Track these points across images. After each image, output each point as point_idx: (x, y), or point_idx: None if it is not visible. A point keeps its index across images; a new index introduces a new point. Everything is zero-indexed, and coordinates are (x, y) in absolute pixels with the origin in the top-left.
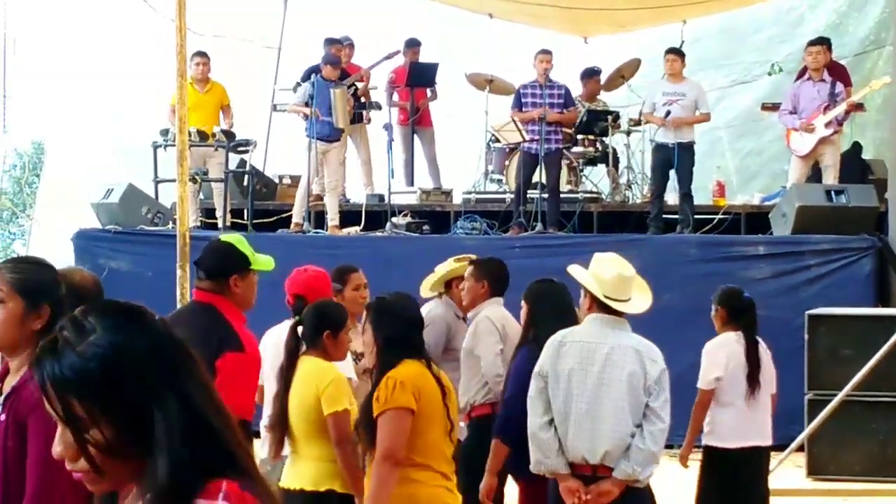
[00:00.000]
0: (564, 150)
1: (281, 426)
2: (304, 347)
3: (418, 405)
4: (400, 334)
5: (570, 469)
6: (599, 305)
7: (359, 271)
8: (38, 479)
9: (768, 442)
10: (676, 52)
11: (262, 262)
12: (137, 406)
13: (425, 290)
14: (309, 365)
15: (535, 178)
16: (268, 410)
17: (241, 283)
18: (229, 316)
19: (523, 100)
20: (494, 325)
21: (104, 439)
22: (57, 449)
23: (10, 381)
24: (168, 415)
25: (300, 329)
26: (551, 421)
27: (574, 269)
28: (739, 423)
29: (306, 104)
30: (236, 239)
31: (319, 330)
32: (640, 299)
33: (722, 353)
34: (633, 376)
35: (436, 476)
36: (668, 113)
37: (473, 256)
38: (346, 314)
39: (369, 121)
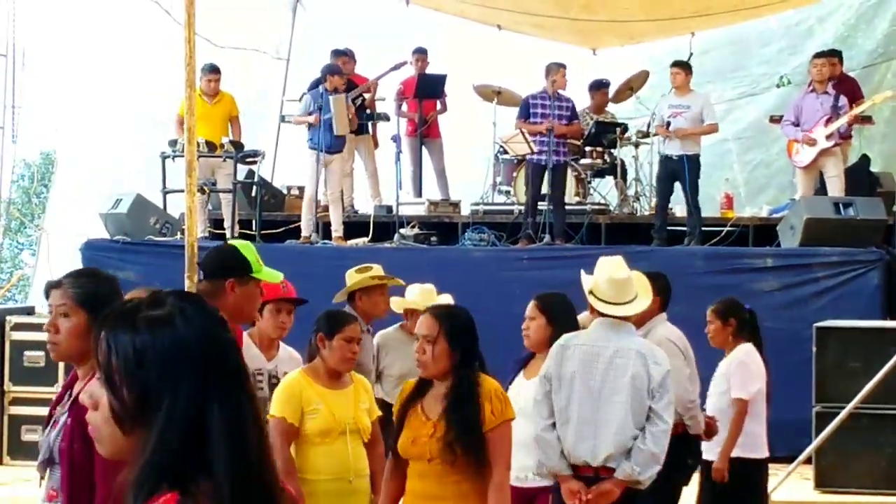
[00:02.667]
0: (572, 162)
1: None
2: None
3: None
4: (474, 348)
5: (571, 471)
6: (598, 309)
7: (356, 323)
8: (106, 481)
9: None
10: (680, 65)
11: (268, 273)
12: (153, 394)
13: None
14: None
15: (544, 190)
16: None
17: (239, 289)
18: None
19: (532, 110)
20: (676, 344)
21: (117, 405)
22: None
23: (78, 387)
24: (169, 415)
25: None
26: (554, 424)
27: (582, 276)
28: (764, 434)
29: (310, 114)
30: (243, 245)
31: (315, 332)
32: (642, 300)
33: (755, 365)
34: (637, 379)
35: None
36: (669, 124)
37: (374, 266)
38: (347, 319)
39: (375, 141)
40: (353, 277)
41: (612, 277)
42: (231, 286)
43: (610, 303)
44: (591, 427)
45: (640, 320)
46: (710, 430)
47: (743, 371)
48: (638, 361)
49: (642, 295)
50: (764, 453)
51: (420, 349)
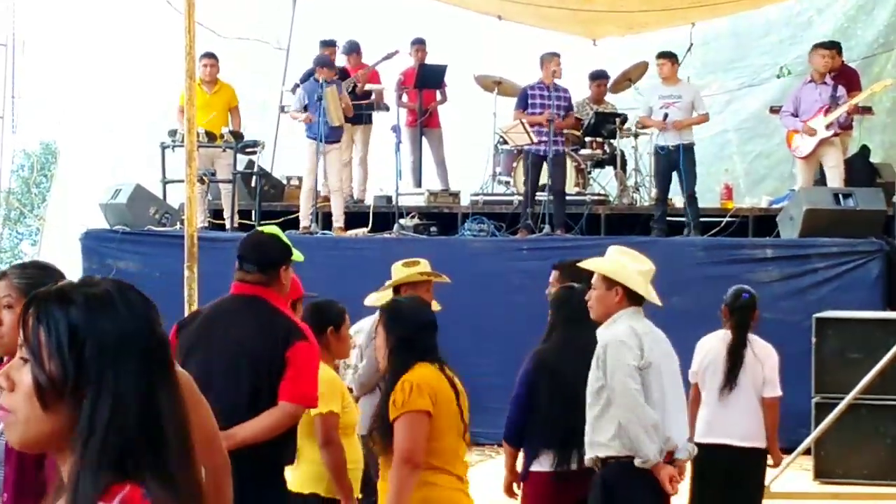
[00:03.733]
0: (571, 153)
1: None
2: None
3: (435, 408)
4: (412, 336)
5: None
6: (632, 298)
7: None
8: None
9: (746, 443)
10: (666, 56)
11: (296, 253)
12: (90, 370)
13: (377, 301)
14: None
15: (543, 181)
16: None
17: (287, 273)
18: (283, 307)
19: (530, 101)
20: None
21: (45, 381)
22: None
23: None
24: (100, 403)
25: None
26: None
27: (599, 264)
28: (710, 419)
29: (305, 108)
30: (276, 231)
31: (322, 327)
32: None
33: (702, 349)
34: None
35: (452, 479)
36: (667, 115)
37: (421, 260)
38: (345, 309)
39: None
40: (400, 271)
41: (642, 270)
42: (283, 273)
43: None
44: (678, 412)
45: (606, 311)
46: None
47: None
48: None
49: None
50: (710, 438)
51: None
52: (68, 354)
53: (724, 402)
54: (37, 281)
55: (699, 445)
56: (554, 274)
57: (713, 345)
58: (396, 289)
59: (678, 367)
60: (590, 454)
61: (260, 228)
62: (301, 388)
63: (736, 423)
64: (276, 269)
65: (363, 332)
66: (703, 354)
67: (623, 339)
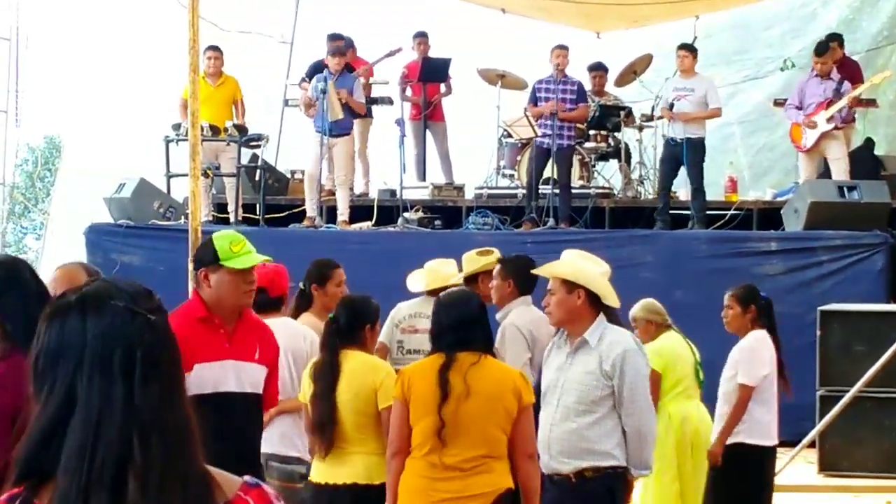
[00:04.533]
0: (577, 146)
1: (332, 422)
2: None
3: (406, 396)
4: (437, 333)
5: None
6: (595, 304)
7: (340, 267)
8: None
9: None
10: (688, 48)
11: (240, 260)
12: (37, 385)
13: (431, 283)
14: (358, 360)
15: (547, 174)
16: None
17: (211, 278)
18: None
19: (538, 95)
20: (521, 332)
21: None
22: None
23: None
24: (42, 409)
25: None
26: None
27: (565, 267)
28: (773, 421)
29: (312, 103)
30: (223, 234)
31: (360, 324)
32: None
33: (766, 351)
34: None
35: (421, 465)
36: (672, 106)
37: (493, 249)
38: (379, 306)
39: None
40: (475, 261)
41: (603, 272)
42: (203, 276)
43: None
44: None
45: (568, 316)
46: None
47: (750, 357)
48: None
49: None
50: (772, 441)
51: None
52: (31, 369)
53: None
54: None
55: (764, 448)
56: (497, 268)
57: (771, 348)
58: (473, 277)
59: None
60: (581, 463)
61: (217, 234)
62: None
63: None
64: (196, 271)
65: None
66: (769, 358)
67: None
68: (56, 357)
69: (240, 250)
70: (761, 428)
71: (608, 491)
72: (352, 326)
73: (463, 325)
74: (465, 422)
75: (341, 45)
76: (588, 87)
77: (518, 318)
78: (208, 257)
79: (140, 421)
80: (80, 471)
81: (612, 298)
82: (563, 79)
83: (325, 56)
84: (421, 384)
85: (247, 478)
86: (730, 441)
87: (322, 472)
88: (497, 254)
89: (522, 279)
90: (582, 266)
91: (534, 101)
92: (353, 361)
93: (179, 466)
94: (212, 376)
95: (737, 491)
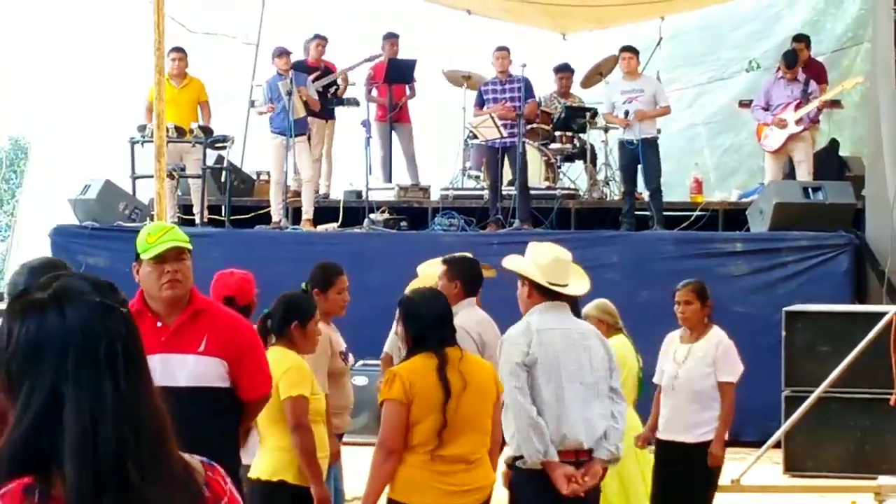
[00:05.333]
0: (542, 147)
1: None
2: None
3: (409, 398)
4: (421, 333)
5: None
6: (542, 292)
7: (343, 274)
8: None
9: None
10: (632, 50)
11: (153, 249)
12: (16, 378)
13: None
14: (273, 354)
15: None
16: None
17: (140, 272)
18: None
19: (484, 97)
20: (470, 334)
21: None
22: None
23: None
24: (25, 402)
25: (269, 322)
26: (538, 411)
27: (511, 260)
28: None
29: (271, 102)
30: (147, 226)
31: (287, 321)
32: (578, 283)
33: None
34: (604, 360)
35: (422, 458)
36: (627, 113)
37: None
38: (314, 306)
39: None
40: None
41: (559, 258)
42: (136, 271)
43: (558, 284)
44: (579, 408)
45: (524, 307)
46: None
47: (731, 354)
48: (599, 341)
49: (580, 278)
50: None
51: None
52: (3, 363)
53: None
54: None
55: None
56: (443, 270)
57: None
58: None
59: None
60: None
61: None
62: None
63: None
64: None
65: None
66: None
67: (510, 336)
68: (36, 353)
69: (156, 240)
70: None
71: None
72: (279, 322)
73: (444, 322)
74: (467, 415)
75: (318, 48)
76: (554, 88)
77: (465, 321)
78: (135, 251)
79: (129, 413)
80: (87, 465)
81: (549, 284)
82: (508, 79)
83: (307, 56)
84: (423, 384)
85: (202, 458)
86: (701, 440)
87: (252, 466)
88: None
89: (468, 281)
90: (524, 258)
91: (480, 103)
92: (271, 357)
93: (164, 454)
94: None
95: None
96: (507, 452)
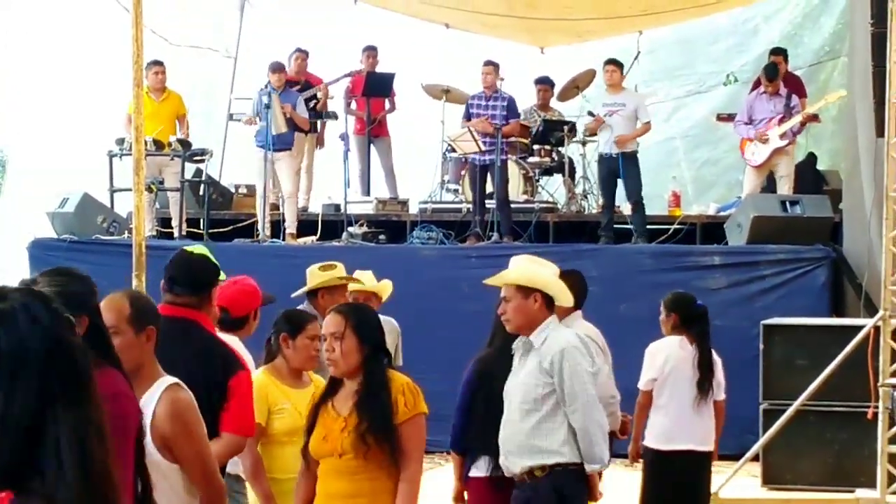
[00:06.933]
0: (520, 161)
1: None
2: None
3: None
4: (382, 344)
5: None
6: (549, 306)
7: (317, 321)
8: None
9: (705, 447)
10: (615, 63)
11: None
12: None
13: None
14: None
15: (491, 189)
16: None
17: (215, 295)
18: (214, 332)
19: (471, 111)
20: (596, 341)
21: None
22: None
23: None
24: (2, 414)
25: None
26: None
27: (518, 274)
28: (674, 426)
29: (258, 115)
30: (205, 250)
31: (275, 336)
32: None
33: (661, 356)
34: None
35: None
36: (607, 122)
37: (338, 264)
38: (307, 318)
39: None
40: (317, 276)
41: (555, 273)
42: (213, 295)
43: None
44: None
45: (527, 321)
46: (625, 429)
47: (644, 362)
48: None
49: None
50: (671, 446)
51: (329, 347)
52: None
53: (697, 410)
54: (66, 288)
55: (662, 452)
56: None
57: (672, 352)
58: (313, 292)
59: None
60: (528, 462)
61: (188, 248)
62: (246, 419)
63: (703, 428)
64: (209, 291)
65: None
66: (662, 362)
67: (577, 344)
68: (15, 362)
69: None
70: (656, 432)
71: (555, 489)
72: (274, 338)
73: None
74: None
75: (299, 62)
76: (534, 100)
77: (588, 331)
78: (216, 274)
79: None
80: (74, 478)
81: (564, 298)
82: (494, 94)
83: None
84: None
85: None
86: (643, 444)
87: None
88: (341, 268)
89: (579, 294)
90: (535, 270)
91: (467, 116)
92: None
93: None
94: None
95: (655, 495)
96: (541, 461)
